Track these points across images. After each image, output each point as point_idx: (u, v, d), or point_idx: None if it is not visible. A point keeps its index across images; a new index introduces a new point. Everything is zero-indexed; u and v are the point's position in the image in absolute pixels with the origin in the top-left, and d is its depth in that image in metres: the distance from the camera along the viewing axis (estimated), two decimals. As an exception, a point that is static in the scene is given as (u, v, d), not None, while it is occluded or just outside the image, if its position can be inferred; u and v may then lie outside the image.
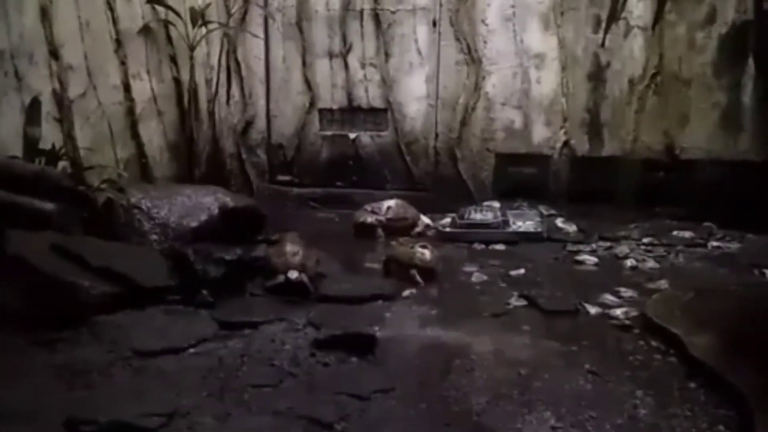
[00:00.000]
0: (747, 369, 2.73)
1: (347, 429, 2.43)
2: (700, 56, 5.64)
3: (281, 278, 3.79)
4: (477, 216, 5.39)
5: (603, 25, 5.58)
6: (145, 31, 5.46)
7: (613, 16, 4.69)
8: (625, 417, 2.54)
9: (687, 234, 5.23)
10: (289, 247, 3.95)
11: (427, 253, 4.38)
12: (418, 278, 4.22)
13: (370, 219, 5.23)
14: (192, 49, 5.82)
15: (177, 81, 5.88)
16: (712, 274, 4.43)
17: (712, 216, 5.43)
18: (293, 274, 3.75)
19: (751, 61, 5.45)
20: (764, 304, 3.77)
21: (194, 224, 4.43)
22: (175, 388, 2.71)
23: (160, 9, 5.57)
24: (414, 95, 6.36)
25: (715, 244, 5.06)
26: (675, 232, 5.26)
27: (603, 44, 5.66)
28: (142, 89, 5.42)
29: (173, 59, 5.82)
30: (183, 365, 2.97)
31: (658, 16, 4.80)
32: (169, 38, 5.76)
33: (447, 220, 5.57)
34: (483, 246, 5.12)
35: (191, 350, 3.11)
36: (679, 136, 5.79)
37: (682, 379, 2.84)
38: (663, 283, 4.13)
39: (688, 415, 2.55)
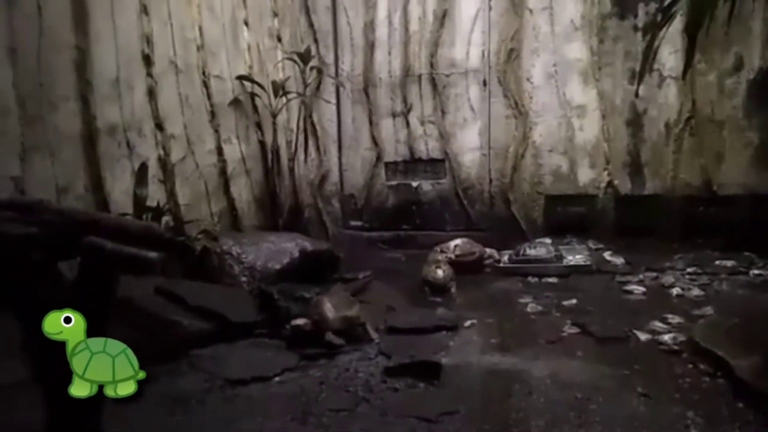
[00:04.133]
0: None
1: (417, 449, 2.38)
2: (730, 100, 5.46)
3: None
4: (531, 252, 5.28)
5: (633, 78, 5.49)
6: (235, 102, 5.64)
7: (645, 69, 4.60)
8: (679, 436, 2.42)
9: (729, 263, 4.98)
10: (316, 298, 3.78)
11: (439, 273, 4.65)
12: (427, 290, 4.61)
13: (440, 257, 5.15)
14: (274, 115, 5.97)
15: (262, 143, 6.03)
16: (755, 300, 4.21)
17: (752, 246, 5.16)
18: (298, 321, 3.54)
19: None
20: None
21: (278, 266, 4.47)
22: (261, 413, 2.73)
23: (247, 83, 5.76)
24: (468, 146, 6.34)
25: (756, 272, 4.81)
26: (717, 262, 5.02)
27: (636, 95, 5.55)
28: (232, 152, 5.57)
29: (258, 125, 5.98)
30: (269, 392, 2.98)
31: (688, 66, 4.68)
32: (254, 107, 5.93)
33: (504, 257, 5.48)
34: (537, 279, 5.00)
35: (276, 379, 3.12)
36: (716, 173, 5.59)
37: (730, 400, 2.69)
38: (708, 310, 3.93)
39: (738, 434, 2.40)
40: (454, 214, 6.45)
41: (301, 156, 6.68)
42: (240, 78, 5.67)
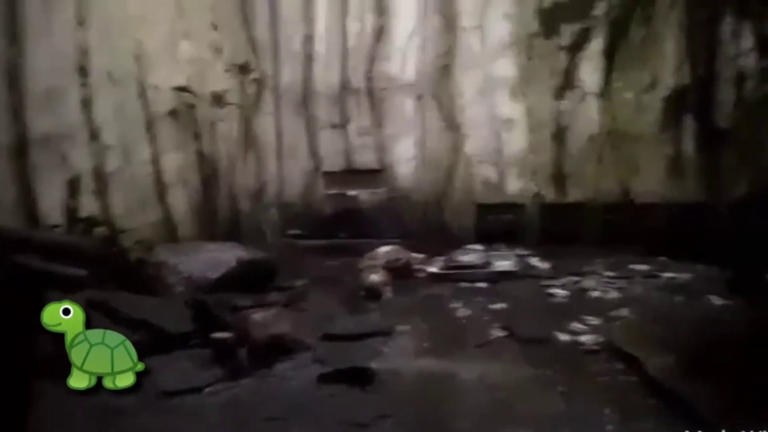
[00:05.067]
0: (698, 385, 2.69)
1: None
2: (646, 115, 5.71)
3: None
4: (462, 258, 5.36)
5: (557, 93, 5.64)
6: (173, 113, 5.52)
7: (566, 86, 4.78)
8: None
9: (644, 267, 5.17)
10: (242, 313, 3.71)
11: (374, 277, 4.69)
12: (363, 294, 4.61)
13: (369, 264, 5.13)
14: (213, 125, 5.88)
15: (200, 153, 5.92)
16: (667, 301, 4.37)
17: (666, 251, 5.38)
18: (221, 335, 3.37)
19: (690, 118, 5.51)
20: (713, 327, 3.73)
21: (215, 276, 4.38)
22: (196, 424, 2.67)
23: (186, 94, 5.65)
24: (404, 157, 6.41)
25: (669, 275, 5.00)
26: (633, 266, 5.20)
27: (558, 110, 5.69)
28: (169, 162, 5.44)
29: (197, 135, 5.87)
30: (203, 403, 2.91)
31: (606, 84, 4.90)
32: (193, 117, 5.82)
33: (437, 263, 5.53)
34: (467, 284, 5.02)
35: (210, 389, 3.04)
36: (634, 183, 5.82)
37: (643, 396, 2.80)
38: (625, 311, 4.08)
39: (649, 427, 2.51)
40: (391, 222, 6.47)
41: (239, 166, 6.59)
42: (178, 89, 5.56)
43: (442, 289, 4.93)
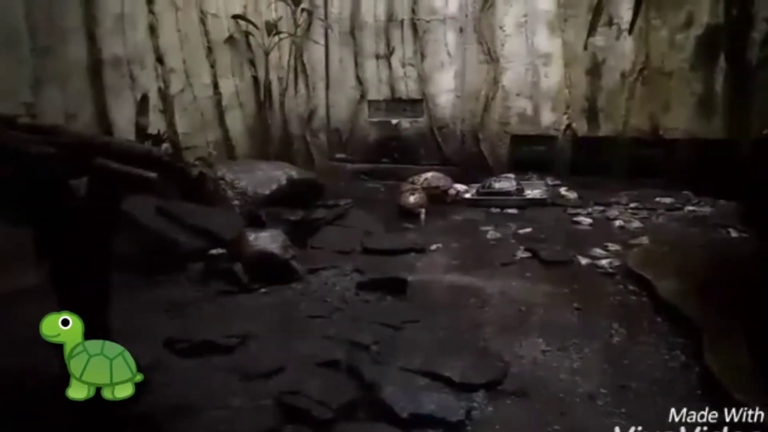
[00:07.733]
0: (702, 307, 2.75)
1: (380, 350, 2.54)
2: (679, 53, 5.47)
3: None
4: (496, 185, 5.37)
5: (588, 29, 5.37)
6: (230, 40, 5.57)
7: (596, 22, 4.58)
8: (602, 343, 2.60)
9: (667, 200, 5.12)
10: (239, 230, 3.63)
11: (411, 198, 4.80)
12: (399, 215, 4.74)
13: (410, 186, 5.20)
14: (267, 53, 5.92)
15: (255, 79, 6.00)
16: (685, 232, 4.36)
17: (689, 185, 5.29)
18: (214, 251, 3.44)
19: (722, 57, 5.28)
20: (723, 256, 3.73)
21: (267, 192, 4.51)
22: (249, 319, 2.85)
23: (242, 22, 5.67)
24: (444, 88, 6.34)
25: (690, 208, 4.96)
26: (657, 199, 5.15)
27: (585, 47, 5.42)
28: (227, 86, 5.54)
29: (252, 62, 5.93)
30: (256, 302, 3.11)
31: (633, 22, 4.69)
32: (248, 45, 5.86)
33: (472, 189, 5.57)
34: (499, 210, 5.10)
35: (263, 290, 3.24)
36: (663, 119, 5.65)
37: (651, 314, 2.88)
38: (644, 239, 4.09)
39: (652, 342, 2.59)
40: (430, 149, 6.49)
41: (291, 92, 6.64)
42: (235, 17, 5.59)
43: (474, 214, 5.01)
